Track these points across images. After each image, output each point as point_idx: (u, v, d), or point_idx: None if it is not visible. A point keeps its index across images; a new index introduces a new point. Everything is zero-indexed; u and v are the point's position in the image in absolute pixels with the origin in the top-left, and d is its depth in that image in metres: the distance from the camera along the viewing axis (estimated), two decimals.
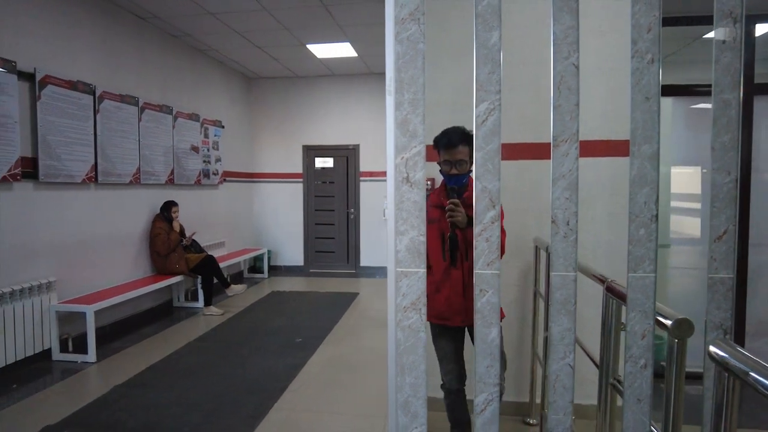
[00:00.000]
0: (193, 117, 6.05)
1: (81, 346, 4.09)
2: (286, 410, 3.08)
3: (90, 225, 4.41)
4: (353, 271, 7.91)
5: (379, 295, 6.27)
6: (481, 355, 1.04)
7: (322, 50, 6.33)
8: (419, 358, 1.10)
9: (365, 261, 7.88)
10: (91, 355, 3.92)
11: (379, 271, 7.80)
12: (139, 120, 5.00)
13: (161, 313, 5.33)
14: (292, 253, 8.03)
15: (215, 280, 5.49)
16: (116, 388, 3.38)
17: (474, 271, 1.06)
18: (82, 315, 4.14)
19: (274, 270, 7.90)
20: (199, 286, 5.51)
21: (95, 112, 4.38)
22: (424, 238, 1.15)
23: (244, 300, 5.87)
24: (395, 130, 1.17)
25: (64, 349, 4.00)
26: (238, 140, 7.51)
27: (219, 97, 6.89)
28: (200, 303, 5.60)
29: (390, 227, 1.17)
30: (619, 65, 2.59)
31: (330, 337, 4.51)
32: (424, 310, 1.12)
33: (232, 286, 5.60)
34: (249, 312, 5.41)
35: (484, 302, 1.04)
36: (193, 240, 5.59)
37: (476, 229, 1.06)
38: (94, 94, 4.37)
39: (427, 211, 1.23)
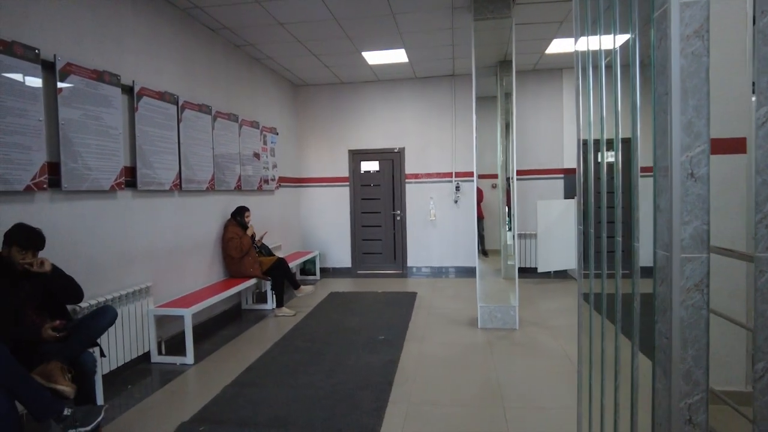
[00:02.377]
0: (254, 125, 6.20)
1: (175, 349, 4.24)
2: (404, 402, 3.19)
3: (176, 231, 4.56)
4: (400, 272, 8.03)
5: (437, 294, 6.38)
6: (759, 329, 1.15)
7: (375, 57, 6.46)
8: (701, 332, 1.21)
9: (412, 261, 7.99)
10: (189, 357, 4.05)
11: (426, 271, 7.91)
12: (213, 128, 5.15)
13: (233, 316, 5.47)
14: (340, 255, 8.16)
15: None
16: (227, 388, 3.50)
17: (754, 255, 1.17)
18: (174, 318, 4.29)
19: (323, 272, 8.03)
20: (269, 288, 5.64)
21: (178, 121, 4.53)
22: (707, 227, 1.26)
23: (307, 302, 6.00)
24: (680, 132, 1.28)
25: (159, 351, 4.14)
26: (289, 146, 7.66)
27: (272, 104, 7.04)
28: (268, 305, 5.73)
29: (675, 217, 1.27)
30: None
31: (410, 335, 4.62)
32: (706, 291, 1.23)
33: (302, 287, 5.73)
34: (318, 312, 5.53)
35: (763, 282, 1.15)
36: (263, 243, 5.73)
37: (756, 217, 1.17)
38: (177, 103, 4.52)
39: None
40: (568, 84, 7.46)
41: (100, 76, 3.56)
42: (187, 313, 4.05)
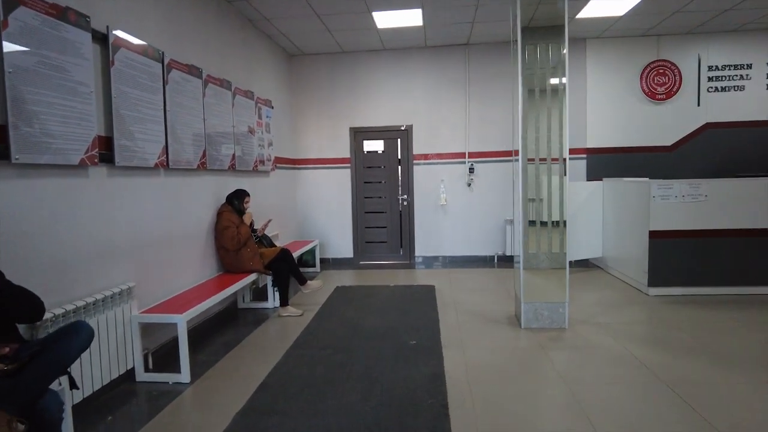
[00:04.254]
0: (249, 95, 5.35)
1: (165, 363, 3.45)
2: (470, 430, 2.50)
3: (163, 218, 3.73)
4: (407, 262, 7.32)
5: (457, 287, 5.70)
6: None
7: (386, 19, 5.67)
8: None
9: (420, 251, 7.29)
10: (185, 374, 3.26)
11: (436, 261, 7.22)
12: (204, 95, 4.30)
13: (229, 317, 4.68)
14: (341, 244, 7.39)
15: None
16: (238, 417, 2.74)
17: None
18: (163, 326, 3.50)
19: (323, 263, 7.26)
20: (270, 283, 4.86)
21: (164, 83, 3.68)
22: None
23: (313, 299, 5.24)
24: None
25: (146, 367, 3.34)
26: (284, 123, 6.81)
27: (267, 74, 6.18)
28: (269, 303, 4.96)
29: None
30: None
31: (445, 339, 3.91)
32: None
33: (309, 282, 4.96)
34: (329, 311, 4.78)
35: None
36: (264, 234, 4.93)
37: None
38: (162, 61, 3.67)
39: None
40: (593, 55, 6.80)
41: (62, 13, 2.70)
42: (181, 320, 3.25)
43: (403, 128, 7.16)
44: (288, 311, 4.66)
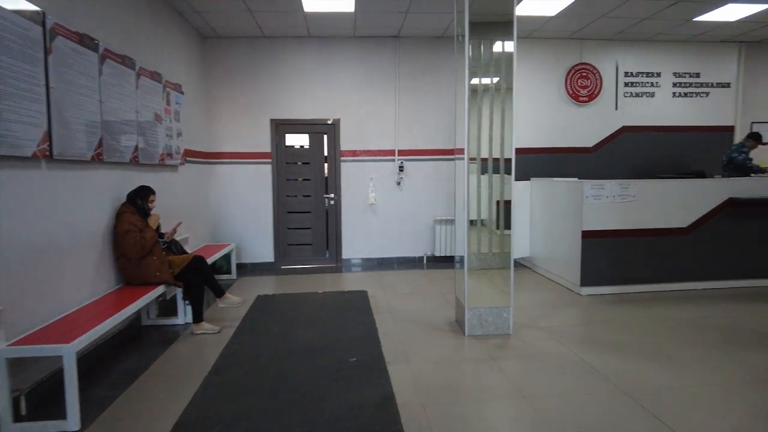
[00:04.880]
0: (156, 77, 4.60)
1: (44, 407, 2.74)
2: None
3: (44, 221, 2.98)
4: (334, 265, 6.87)
5: (390, 291, 5.36)
6: None
7: (315, 1, 5.17)
8: None
9: (348, 253, 6.88)
10: (72, 420, 2.58)
11: (365, 264, 6.85)
12: (100, 73, 3.55)
13: (131, 338, 3.96)
14: (260, 247, 6.76)
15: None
16: None
17: None
18: (42, 359, 2.78)
19: (240, 269, 6.59)
20: (181, 296, 4.20)
21: (46, 52, 2.93)
22: None
23: (232, 311, 4.62)
24: None
25: (16, 414, 2.62)
26: (196, 112, 6.06)
27: (177, 55, 5.42)
28: (179, 319, 4.29)
29: None
30: None
31: (388, 353, 3.54)
32: None
33: (228, 294, 4.34)
34: (252, 325, 4.21)
35: None
36: (174, 239, 4.24)
37: None
38: (43, 24, 2.91)
39: None
40: (521, 54, 6.80)
41: None
42: (69, 352, 2.56)
43: (330, 122, 6.70)
44: (203, 328, 4.03)
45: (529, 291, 5.35)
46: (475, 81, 3.98)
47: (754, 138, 6.50)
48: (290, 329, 4.09)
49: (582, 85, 6.94)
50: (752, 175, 6.24)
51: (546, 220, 6.00)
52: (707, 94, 7.22)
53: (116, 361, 3.48)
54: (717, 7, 5.61)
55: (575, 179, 5.98)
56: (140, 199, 3.85)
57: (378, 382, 3.04)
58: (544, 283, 5.66)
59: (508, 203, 4.12)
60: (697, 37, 6.85)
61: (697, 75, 7.16)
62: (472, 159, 4.01)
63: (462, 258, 3.97)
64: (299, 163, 6.79)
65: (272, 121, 6.62)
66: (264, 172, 6.68)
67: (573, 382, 3.06)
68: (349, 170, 6.77)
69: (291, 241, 6.85)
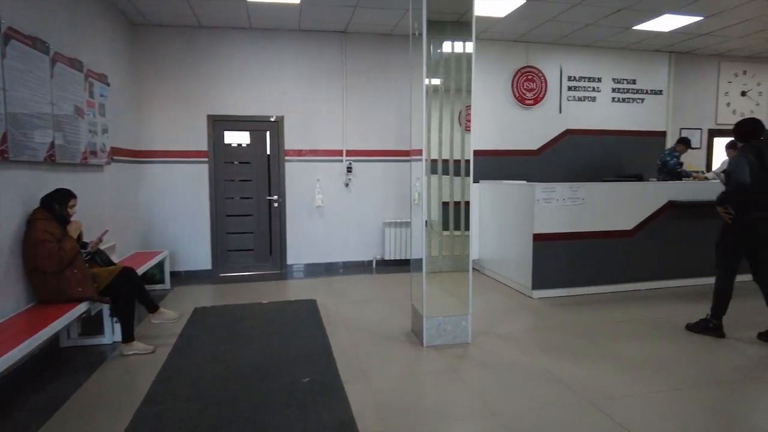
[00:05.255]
0: (76, 65, 4.07)
1: None
2: None
3: None
4: (279, 272, 6.51)
5: (340, 299, 5.10)
6: None
7: None
8: None
9: (293, 258, 6.54)
10: None
11: (312, 269, 6.54)
12: (3, 55, 3.04)
13: (45, 362, 3.45)
14: (196, 254, 6.28)
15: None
16: None
17: None
18: None
19: (174, 277, 6.06)
20: (108, 312, 3.72)
21: None
22: None
23: (167, 327, 4.17)
24: None
25: None
26: (124, 106, 5.49)
27: (102, 42, 4.86)
28: (106, 338, 3.81)
29: None
30: None
31: (344, 369, 3.29)
32: None
33: (162, 309, 3.90)
34: (190, 343, 3.81)
35: None
36: (99, 249, 3.75)
37: None
38: None
39: None
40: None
41: None
42: None
43: (273, 119, 6.33)
44: (134, 348, 3.58)
45: (481, 295, 5.27)
46: (429, 81, 3.81)
47: (684, 143, 6.83)
48: (234, 346, 3.73)
49: (528, 88, 7.00)
50: (684, 178, 6.55)
51: (496, 223, 5.97)
52: (642, 100, 7.53)
53: (28, 392, 2.98)
54: (655, 17, 5.81)
55: (524, 182, 6.00)
56: (57, 203, 3.35)
57: (336, 406, 2.78)
58: (494, 287, 5.62)
59: (465, 204, 4.00)
60: (634, 45, 7.11)
61: (634, 82, 7.45)
62: (433, 160, 3.85)
63: (419, 262, 3.79)
64: (236, 163, 6.36)
65: (209, 117, 6.15)
66: (200, 173, 6.19)
67: (538, 394, 2.95)
68: (294, 171, 6.42)
69: (231, 247, 6.41)
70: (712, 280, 4.04)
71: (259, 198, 6.42)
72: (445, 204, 3.96)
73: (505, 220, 5.67)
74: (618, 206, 5.28)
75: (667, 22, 6.00)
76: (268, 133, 6.37)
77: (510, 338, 3.93)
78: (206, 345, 3.77)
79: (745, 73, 7.93)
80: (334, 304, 4.97)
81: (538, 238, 5.06)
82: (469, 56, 3.78)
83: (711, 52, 7.60)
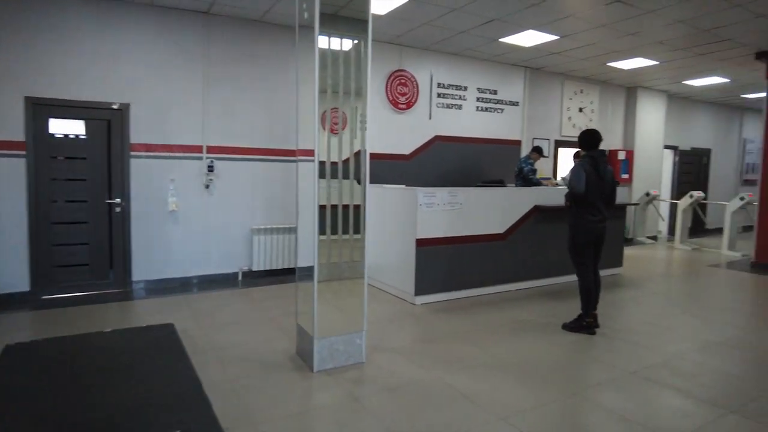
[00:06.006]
0: None
1: None
2: None
3: None
4: (121, 291, 5.43)
5: (206, 322, 4.37)
6: None
7: None
8: None
9: (141, 273, 5.52)
10: None
11: (165, 286, 5.60)
12: None
13: None
14: (7, 273, 4.93)
15: None
16: None
17: None
18: None
19: None
20: None
21: None
22: None
23: None
24: None
25: None
26: None
27: None
28: None
29: None
30: None
31: (224, 416, 2.66)
32: None
33: None
34: (3, 397, 2.82)
35: None
36: None
37: None
38: None
39: None
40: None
41: None
42: None
43: (115, 107, 5.25)
44: None
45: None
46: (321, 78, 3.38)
47: (537, 151, 7.38)
48: (68, 397, 2.85)
49: (401, 92, 6.94)
50: (537, 184, 7.05)
51: (377, 228, 5.71)
52: (502, 110, 7.99)
53: None
54: (520, 31, 6.14)
55: (403, 186, 5.87)
56: None
57: None
58: (376, 294, 5.37)
59: (357, 208, 3.65)
60: (497, 57, 7.50)
61: (495, 92, 7.87)
62: (333, 163, 3.42)
63: (306, 271, 3.34)
64: (69, 158, 5.14)
65: (28, 99, 4.87)
66: (13, 169, 4.87)
67: (449, 415, 2.72)
68: (142, 169, 5.42)
69: (58, 262, 5.16)
70: (575, 277, 4.29)
71: (97, 201, 5.28)
72: (332, 207, 3.56)
73: (386, 226, 5.45)
74: (491, 211, 5.42)
75: (529, 38, 6.38)
76: (109, 123, 5.27)
77: (404, 352, 3.68)
78: (26, 399, 2.82)
79: (582, 91, 8.93)
80: (198, 328, 4.22)
81: (420, 243, 4.94)
82: (362, 54, 3.45)
83: (557, 71, 8.39)
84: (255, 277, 6.04)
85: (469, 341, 3.93)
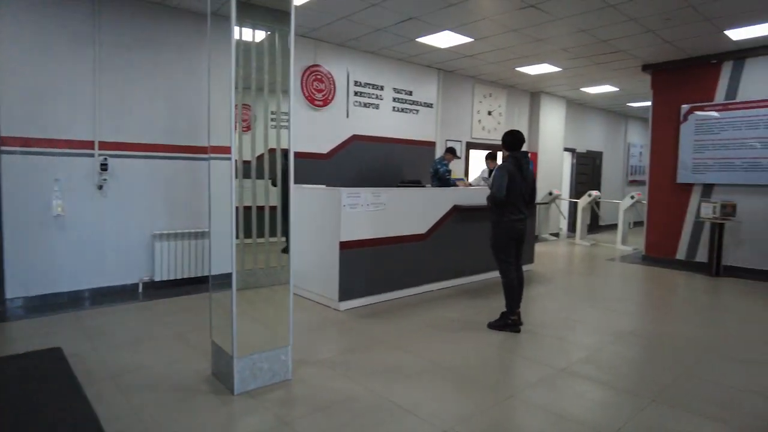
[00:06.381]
0: None
1: None
2: None
3: None
4: None
5: (101, 343, 3.80)
6: None
7: None
8: None
9: (16, 289, 4.73)
10: None
11: (50, 302, 4.85)
12: None
13: None
14: None
15: None
16: None
17: None
18: None
19: None
20: None
21: None
22: None
23: None
24: None
25: None
26: None
27: None
28: None
29: None
30: None
31: None
32: None
33: None
34: None
35: None
36: None
37: None
38: None
39: None
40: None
41: None
42: None
43: None
44: None
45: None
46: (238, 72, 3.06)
47: (451, 152, 7.49)
48: None
49: (317, 89, 6.67)
50: (451, 184, 7.15)
51: (297, 230, 5.40)
52: (417, 111, 8.01)
53: None
54: (437, 31, 6.15)
55: (323, 186, 5.62)
56: None
57: None
58: (297, 302, 4.99)
59: (283, 208, 3.37)
60: (413, 58, 7.49)
61: (410, 93, 7.86)
62: (256, 161, 3.10)
63: (221, 279, 3.00)
64: None
65: None
66: None
67: None
68: (17, 167, 4.64)
69: None
70: (495, 275, 4.35)
71: None
72: (247, 208, 3.25)
73: (307, 228, 5.16)
74: (414, 211, 5.36)
75: (445, 39, 6.42)
76: None
77: (333, 365, 3.45)
78: None
79: (491, 95, 9.24)
80: (92, 351, 3.66)
81: (344, 245, 4.73)
82: (282, 47, 3.18)
83: (469, 74, 8.59)
84: (158, 288, 5.44)
85: (400, 347, 3.80)
